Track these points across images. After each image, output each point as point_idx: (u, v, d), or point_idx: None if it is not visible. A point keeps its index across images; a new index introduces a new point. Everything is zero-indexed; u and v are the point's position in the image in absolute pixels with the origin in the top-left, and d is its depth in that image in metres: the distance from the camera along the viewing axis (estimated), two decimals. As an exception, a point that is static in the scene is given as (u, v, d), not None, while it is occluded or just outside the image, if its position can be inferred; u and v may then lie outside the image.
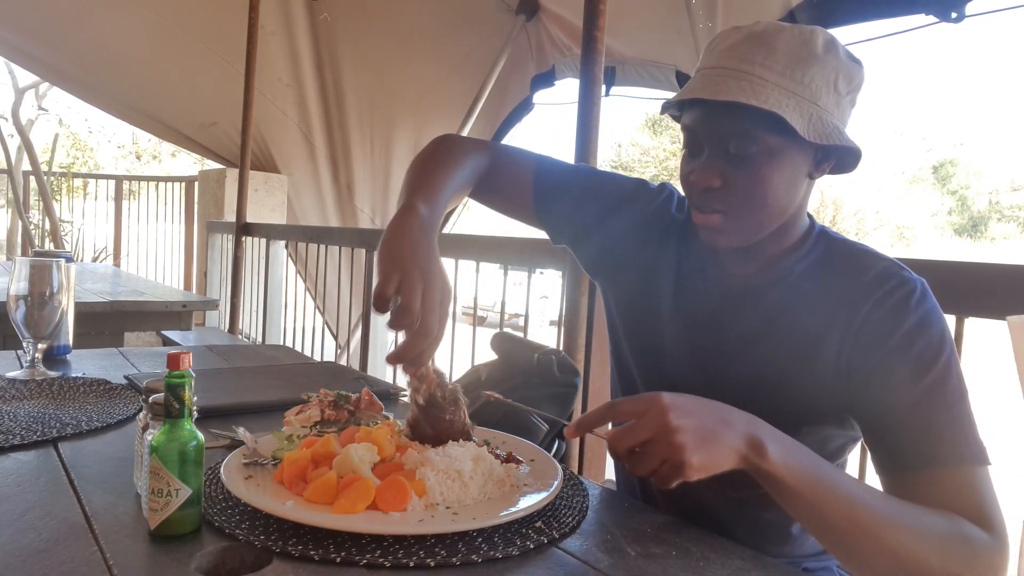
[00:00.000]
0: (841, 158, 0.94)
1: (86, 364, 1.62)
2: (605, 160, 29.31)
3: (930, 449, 0.85)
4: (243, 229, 4.47)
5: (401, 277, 0.82)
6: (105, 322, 2.62)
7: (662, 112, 1.00)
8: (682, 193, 1.04)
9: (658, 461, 0.76)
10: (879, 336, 0.89)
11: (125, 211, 7.62)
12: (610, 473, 1.80)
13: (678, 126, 0.99)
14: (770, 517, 1.02)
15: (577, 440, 2.06)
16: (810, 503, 0.80)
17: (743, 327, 1.00)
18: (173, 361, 0.75)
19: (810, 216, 1.02)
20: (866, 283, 0.91)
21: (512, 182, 1.15)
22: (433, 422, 0.93)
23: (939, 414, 0.85)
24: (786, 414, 0.91)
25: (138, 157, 17.50)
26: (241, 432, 1.00)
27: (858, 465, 1.44)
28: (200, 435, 0.76)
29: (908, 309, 0.88)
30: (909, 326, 0.88)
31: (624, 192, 1.15)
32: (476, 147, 1.11)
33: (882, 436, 0.89)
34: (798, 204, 0.96)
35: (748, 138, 0.89)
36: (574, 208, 1.15)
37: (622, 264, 1.14)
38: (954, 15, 2.10)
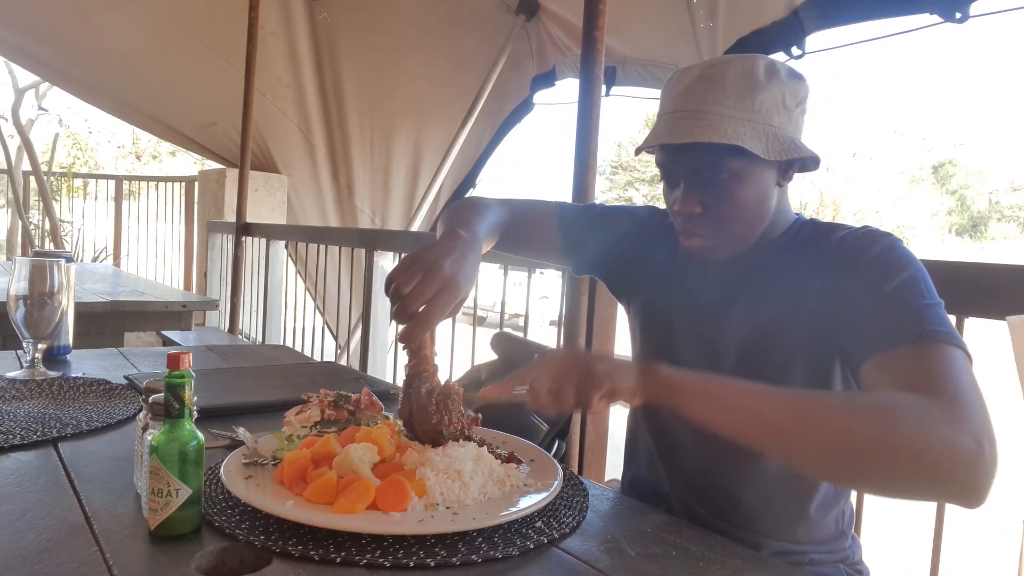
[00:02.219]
0: (804, 162, 1.03)
1: (86, 364, 1.62)
2: (605, 160, 29.30)
3: (884, 334, 0.86)
4: (243, 229, 4.47)
5: (407, 266, 0.91)
6: (105, 322, 2.62)
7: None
8: None
9: (573, 385, 0.83)
10: (851, 266, 0.95)
11: (125, 211, 7.62)
12: (611, 473, 1.80)
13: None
14: (787, 496, 1.06)
15: (577, 440, 2.06)
16: (717, 401, 0.83)
17: (739, 312, 1.07)
18: (173, 361, 0.76)
19: (797, 214, 1.11)
20: (839, 238, 1.00)
21: (538, 230, 1.29)
22: (414, 396, 0.94)
23: (902, 305, 0.88)
24: (780, 365, 1.00)
25: (138, 157, 17.50)
26: (241, 432, 1.00)
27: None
28: (200, 435, 0.76)
29: (874, 242, 0.96)
30: (876, 251, 0.94)
31: (637, 219, 1.27)
32: (497, 203, 1.24)
33: (850, 338, 0.92)
34: (775, 209, 1.05)
35: (715, 168, 0.99)
36: (596, 242, 1.27)
37: (640, 281, 1.23)
38: (958, 15, 2.10)
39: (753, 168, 0.98)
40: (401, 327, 0.92)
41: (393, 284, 0.90)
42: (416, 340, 0.93)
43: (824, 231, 1.04)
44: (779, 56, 2.52)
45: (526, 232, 1.30)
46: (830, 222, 1.07)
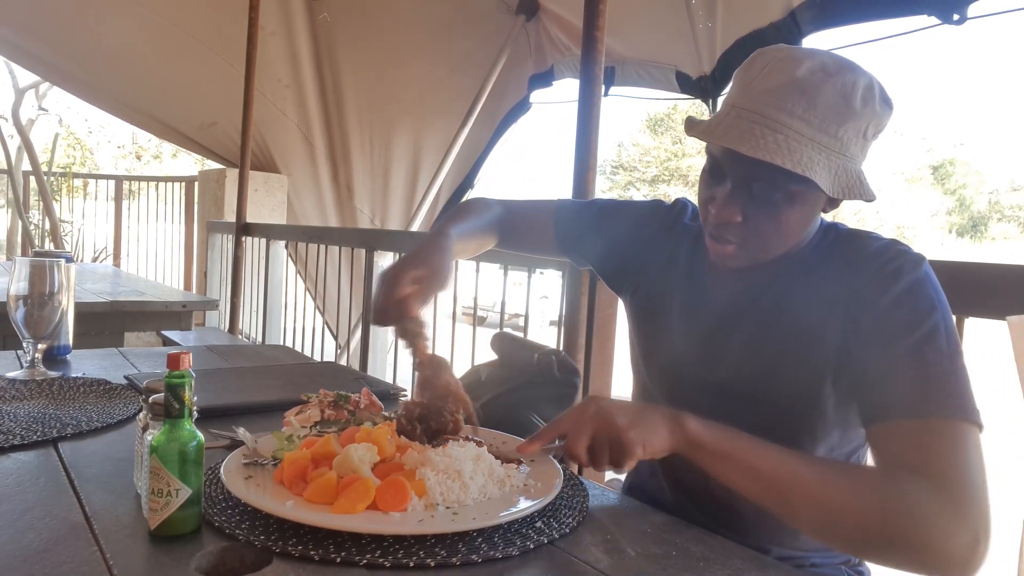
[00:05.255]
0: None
1: (86, 364, 1.62)
2: (606, 160, 29.23)
3: (899, 400, 0.85)
4: (243, 229, 4.47)
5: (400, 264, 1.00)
6: (105, 322, 2.62)
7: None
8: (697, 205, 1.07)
9: (607, 448, 0.86)
10: (872, 301, 0.91)
11: (125, 211, 7.62)
12: (611, 474, 1.80)
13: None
14: None
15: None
16: (735, 463, 0.86)
17: (749, 322, 1.03)
18: (173, 361, 0.75)
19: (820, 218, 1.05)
20: (864, 258, 0.94)
21: (534, 231, 1.30)
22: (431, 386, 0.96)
23: (919, 369, 0.85)
24: (790, 417, 0.94)
25: (138, 157, 17.48)
26: (241, 432, 1.00)
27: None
28: (200, 435, 0.76)
29: (900, 275, 0.90)
30: (899, 290, 0.89)
31: (639, 214, 1.24)
32: (496, 204, 1.28)
33: (864, 392, 0.90)
34: (812, 228, 1.00)
35: (773, 185, 0.92)
36: (593, 240, 1.25)
37: (641, 279, 1.20)
38: (956, 17, 2.10)
39: (809, 194, 0.93)
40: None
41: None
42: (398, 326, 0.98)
43: (847, 239, 1.00)
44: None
45: (523, 233, 1.31)
46: (853, 229, 1.02)
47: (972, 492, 0.79)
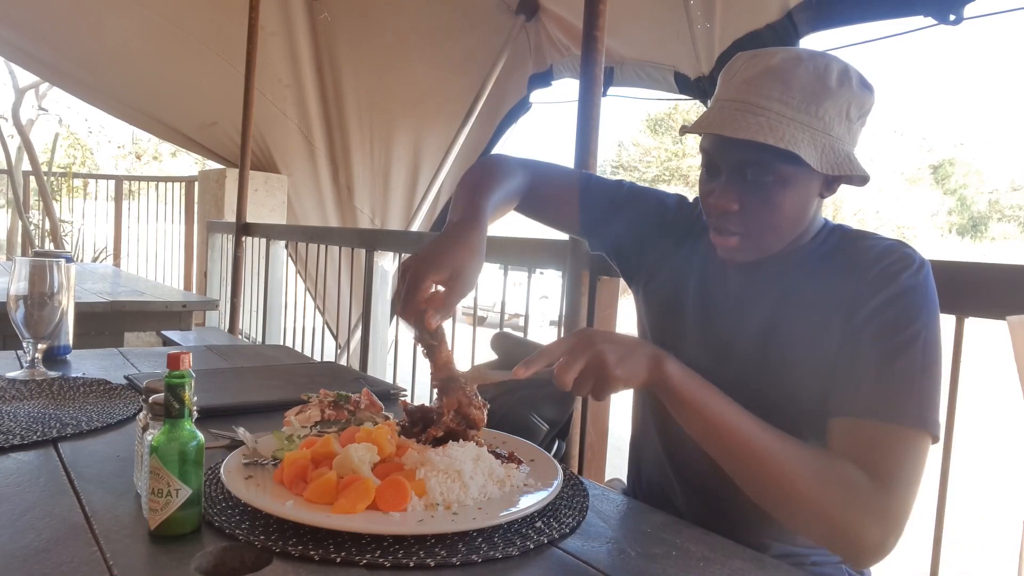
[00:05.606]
0: (851, 177, 0.99)
1: (86, 364, 1.62)
2: (606, 160, 29.30)
3: (864, 400, 0.90)
4: (243, 229, 4.47)
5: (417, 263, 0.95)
6: (105, 322, 2.62)
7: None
8: None
9: (593, 379, 0.87)
10: (866, 300, 0.94)
11: (125, 211, 7.62)
12: (611, 473, 1.80)
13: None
14: None
15: (577, 440, 2.06)
16: (702, 417, 0.90)
17: (758, 316, 1.04)
18: (173, 361, 0.76)
19: (824, 219, 1.08)
20: (868, 260, 0.97)
21: (558, 201, 1.26)
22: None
23: (890, 374, 0.89)
24: (796, 413, 0.96)
25: (138, 157, 17.49)
26: (241, 432, 1.00)
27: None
28: (200, 435, 0.76)
29: (898, 277, 0.93)
30: (893, 292, 0.92)
31: (664, 206, 1.24)
32: (519, 167, 1.21)
33: (834, 384, 0.94)
34: (812, 217, 1.02)
35: (764, 169, 0.95)
36: (617, 224, 1.24)
37: (656, 271, 1.21)
38: (952, 17, 2.11)
39: (801, 176, 0.95)
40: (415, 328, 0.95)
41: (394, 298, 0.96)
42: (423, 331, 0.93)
43: (852, 239, 1.02)
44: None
45: (544, 206, 1.27)
46: (858, 229, 1.04)
47: (902, 499, 0.85)
